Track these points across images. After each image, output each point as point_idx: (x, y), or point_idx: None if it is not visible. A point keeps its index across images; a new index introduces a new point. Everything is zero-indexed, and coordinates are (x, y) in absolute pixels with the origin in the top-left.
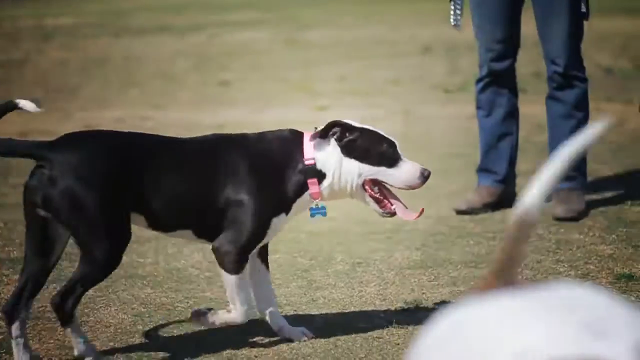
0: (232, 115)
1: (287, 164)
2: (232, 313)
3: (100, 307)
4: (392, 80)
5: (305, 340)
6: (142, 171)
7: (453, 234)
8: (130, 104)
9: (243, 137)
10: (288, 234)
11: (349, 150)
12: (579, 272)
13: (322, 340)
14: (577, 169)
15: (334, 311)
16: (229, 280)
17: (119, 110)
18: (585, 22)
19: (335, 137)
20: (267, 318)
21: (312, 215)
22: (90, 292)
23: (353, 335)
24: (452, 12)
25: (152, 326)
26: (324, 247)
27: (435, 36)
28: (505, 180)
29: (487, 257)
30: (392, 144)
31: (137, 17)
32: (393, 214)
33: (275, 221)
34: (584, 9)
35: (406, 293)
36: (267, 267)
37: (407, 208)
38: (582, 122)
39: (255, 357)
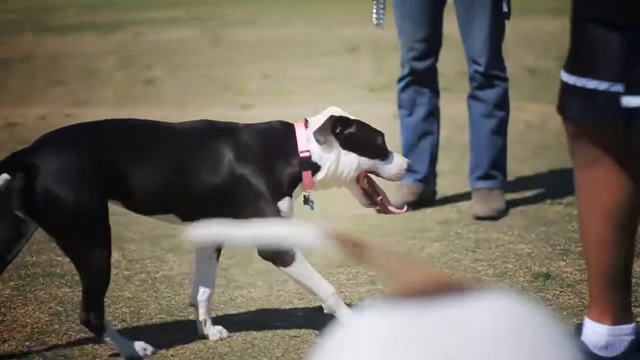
0: (157, 113)
1: (279, 155)
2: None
3: (17, 306)
4: (317, 79)
5: (222, 339)
6: (126, 156)
7: (373, 232)
8: (54, 101)
9: (234, 125)
10: None
11: (348, 143)
12: (497, 270)
13: (239, 339)
14: (497, 167)
15: (252, 310)
16: (295, 272)
17: (43, 107)
18: (507, 22)
19: (337, 130)
20: (199, 306)
21: (306, 204)
22: (7, 291)
23: (270, 334)
24: (374, 12)
25: (69, 326)
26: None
27: (363, 36)
28: (426, 179)
29: (407, 256)
30: (383, 137)
31: (61, 14)
32: (380, 206)
33: (281, 205)
34: (505, 9)
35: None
36: (218, 257)
37: (390, 202)
38: (503, 121)
39: (172, 355)
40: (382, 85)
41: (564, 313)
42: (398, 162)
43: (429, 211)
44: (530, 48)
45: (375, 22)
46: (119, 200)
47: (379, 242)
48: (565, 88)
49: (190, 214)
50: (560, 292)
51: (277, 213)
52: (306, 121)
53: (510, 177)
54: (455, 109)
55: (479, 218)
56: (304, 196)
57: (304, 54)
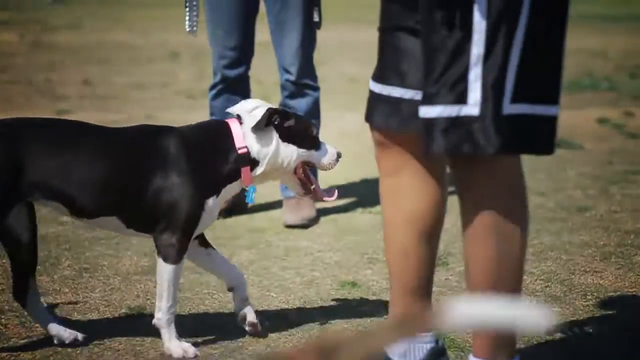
0: None
1: (216, 152)
2: (158, 315)
3: None
4: (136, 85)
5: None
6: (58, 158)
7: None
8: None
9: (169, 127)
10: None
11: (287, 136)
12: (304, 278)
13: (40, 348)
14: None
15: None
16: (167, 271)
17: None
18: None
19: (275, 122)
20: (237, 290)
21: (247, 199)
22: None
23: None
24: (187, 19)
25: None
26: (52, 251)
27: (184, 42)
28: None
29: None
30: (318, 128)
31: None
32: (314, 194)
33: (209, 203)
34: (316, 18)
35: (131, 299)
36: (214, 248)
37: (323, 190)
38: None
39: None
40: (201, 92)
41: (369, 321)
42: (331, 151)
43: (240, 219)
44: (351, 57)
45: (188, 29)
46: (59, 202)
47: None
48: (372, 97)
49: (132, 219)
50: (366, 300)
51: (201, 210)
52: (239, 117)
53: (322, 185)
54: None
55: (289, 226)
56: (242, 189)
57: (125, 59)
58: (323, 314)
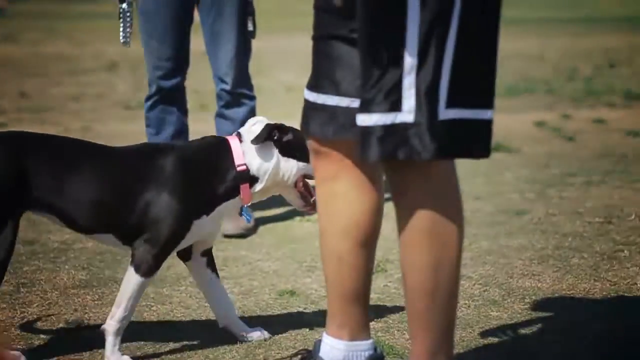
0: None
1: (213, 170)
2: (110, 321)
3: None
4: (73, 97)
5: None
6: (59, 174)
7: (120, 252)
8: None
9: (168, 145)
10: None
11: (287, 150)
12: (243, 288)
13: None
14: None
15: None
16: (134, 281)
17: None
18: (253, 41)
19: (274, 137)
20: (230, 327)
21: (241, 215)
22: None
23: None
24: (121, 30)
25: None
26: None
27: (122, 53)
28: None
29: None
30: None
31: None
32: (313, 207)
33: (196, 223)
34: (251, 28)
35: (69, 313)
36: (217, 275)
37: None
38: None
39: None
40: (139, 103)
41: (308, 330)
42: None
43: None
44: (289, 66)
45: (122, 41)
46: (54, 215)
47: (125, 261)
48: (308, 105)
49: (127, 236)
50: (305, 308)
51: (186, 230)
52: (239, 134)
53: None
54: (211, 126)
55: (227, 236)
56: (240, 208)
57: (62, 71)
58: (262, 323)
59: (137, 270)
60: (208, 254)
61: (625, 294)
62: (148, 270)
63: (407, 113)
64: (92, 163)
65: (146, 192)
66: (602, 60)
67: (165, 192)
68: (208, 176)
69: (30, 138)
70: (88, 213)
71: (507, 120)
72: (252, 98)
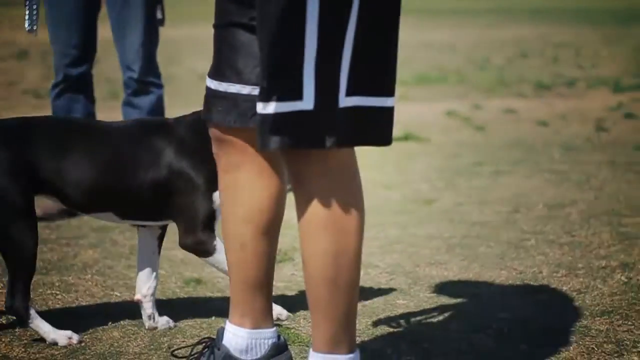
0: None
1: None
2: None
3: None
4: None
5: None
6: (56, 152)
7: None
8: None
9: (163, 120)
10: None
11: None
12: None
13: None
14: None
15: None
16: (215, 261)
17: None
18: (161, 28)
19: None
20: (145, 301)
21: None
22: None
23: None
24: (27, 17)
25: None
26: None
27: (33, 41)
28: None
29: (59, 263)
30: None
31: None
32: None
33: (215, 196)
34: (160, 16)
35: None
36: (159, 252)
37: None
38: None
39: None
40: (49, 91)
41: (213, 318)
42: None
43: (85, 218)
44: (201, 54)
45: (27, 28)
46: (54, 196)
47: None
48: (209, 93)
49: (128, 212)
50: (211, 296)
51: (211, 205)
52: None
53: None
54: (120, 114)
55: (135, 225)
56: None
57: None
58: (168, 311)
59: (208, 256)
60: (164, 227)
61: (531, 283)
62: (212, 248)
63: (307, 101)
64: (95, 142)
65: (151, 171)
66: (513, 50)
67: (185, 168)
68: (207, 151)
69: (35, 122)
70: (88, 193)
71: (418, 109)
72: (160, 86)
